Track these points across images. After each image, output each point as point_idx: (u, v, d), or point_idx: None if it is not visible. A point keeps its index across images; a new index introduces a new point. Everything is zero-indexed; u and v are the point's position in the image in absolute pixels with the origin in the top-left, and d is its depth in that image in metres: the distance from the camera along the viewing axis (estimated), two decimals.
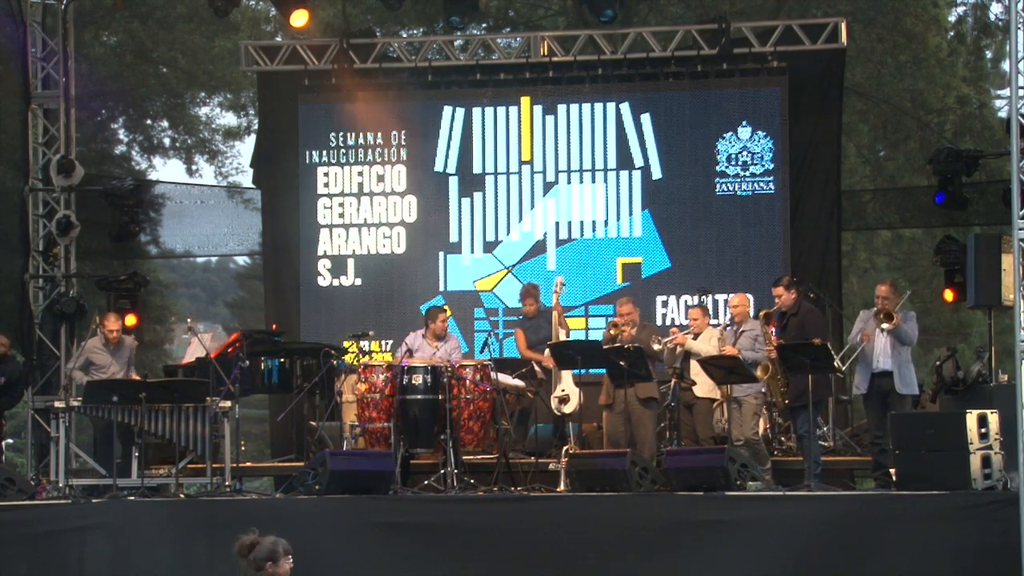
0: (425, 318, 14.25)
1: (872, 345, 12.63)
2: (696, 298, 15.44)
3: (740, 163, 16.57)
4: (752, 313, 14.47)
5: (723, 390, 13.11)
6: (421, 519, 11.72)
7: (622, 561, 11.37)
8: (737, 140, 16.57)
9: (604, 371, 13.28)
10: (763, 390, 13.25)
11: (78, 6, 17.52)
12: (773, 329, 13.47)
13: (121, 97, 25.63)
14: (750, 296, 14.21)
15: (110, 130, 26.69)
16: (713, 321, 14.86)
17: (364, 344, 15.07)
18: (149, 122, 27.32)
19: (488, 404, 13.16)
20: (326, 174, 17.22)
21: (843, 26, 16.51)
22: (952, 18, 25.62)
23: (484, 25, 23.63)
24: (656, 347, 13.38)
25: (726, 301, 15.89)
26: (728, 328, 13.40)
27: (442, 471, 12.70)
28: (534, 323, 14.84)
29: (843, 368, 12.82)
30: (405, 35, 23.49)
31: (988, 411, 11.56)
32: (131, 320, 16.19)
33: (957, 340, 22.42)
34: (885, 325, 12.52)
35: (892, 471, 12.31)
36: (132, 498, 12.14)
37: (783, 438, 14.52)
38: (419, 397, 12.98)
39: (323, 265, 17.17)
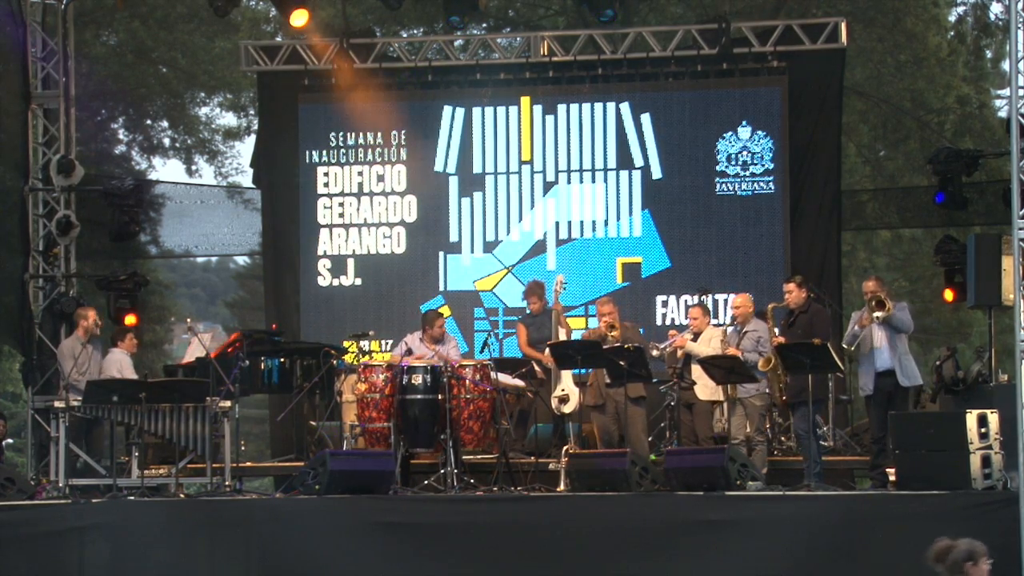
0: (422, 322, 14.25)
1: (872, 343, 12.60)
2: (696, 298, 15.45)
3: (740, 163, 16.57)
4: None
5: (726, 391, 13.10)
6: (421, 519, 11.72)
7: (622, 561, 11.37)
8: (737, 140, 16.57)
9: (592, 372, 13.30)
10: (767, 391, 13.25)
11: (78, 6, 17.52)
12: (776, 327, 13.48)
13: (121, 97, 25.64)
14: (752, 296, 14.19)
15: (110, 130, 26.69)
16: (714, 321, 14.85)
17: (364, 344, 15.07)
18: (149, 122, 27.33)
19: (488, 404, 13.16)
20: (326, 174, 17.22)
21: (843, 26, 16.51)
22: (952, 18, 25.66)
23: (484, 25, 23.64)
24: (655, 353, 13.39)
25: (726, 301, 15.91)
26: (731, 329, 13.39)
27: (442, 471, 12.70)
28: (537, 320, 14.84)
29: (848, 350, 12.79)
30: (405, 35, 23.51)
31: (988, 411, 11.55)
32: (131, 320, 16.19)
33: (957, 340, 22.42)
34: (879, 314, 12.49)
35: (889, 470, 12.31)
36: (132, 498, 12.14)
37: (783, 438, 14.52)
38: (419, 397, 13.00)
39: (323, 265, 17.17)
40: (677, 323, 16.03)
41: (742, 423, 13.11)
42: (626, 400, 13.01)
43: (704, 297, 15.30)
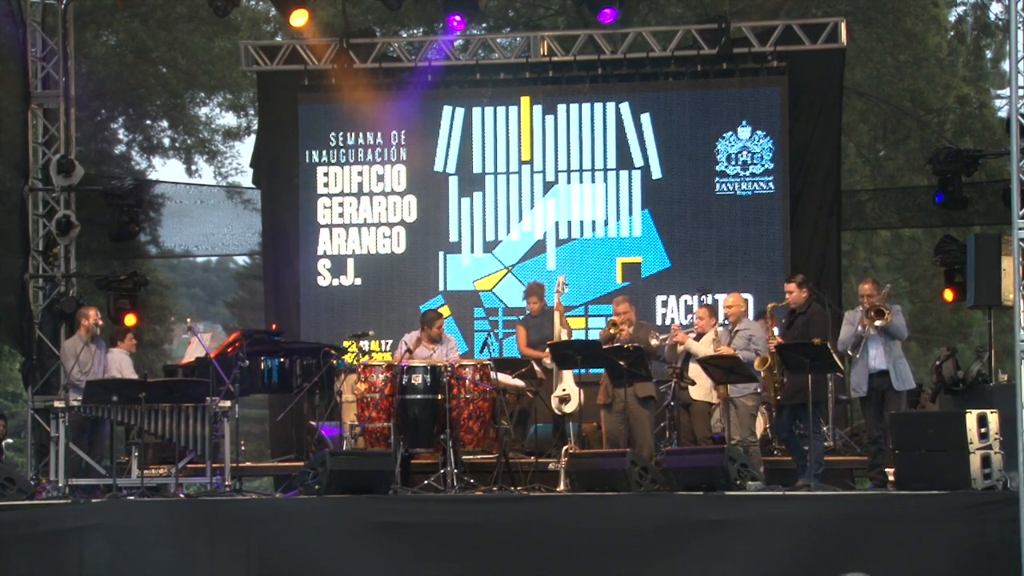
0: (421, 322, 14.25)
1: (866, 345, 12.63)
2: (696, 298, 15.46)
3: (740, 163, 16.57)
4: (748, 313, 14.49)
5: (719, 391, 13.10)
6: (421, 519, 11.71)
7: (622, 561, 11.37)
8: (737, 140, 16.58)
9: (603, 371, 13.29)
10: (759, 391, 13.27)
11: (78, 6, 17.52)
12: (775, 328, 13.49)
13: (121, 97, 25.65)
14: (746, 296, 14.20)
15: (110, 130, 26.71)
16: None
17: (364, 344, 15.07)
18: (149, 122, 27.35)
19: (488, 404, 13.15)
20: (326, 174, 17.22)
21: (843, 26, 16.52)
22: (952, 18, 25.68)
23: (484, 25, 23.65)
24: (654, 343, 13.37)
25: None
26: (722, 328, 13.39)
27: (442, 471, 12.70)
28: (537, 321, 14.84)
29: (854, 357, 12.77)
30: (405, 35, 23.52)
31: (988, 411, 11.55)
32: (131, 320, 16.19)
33: (957, 340, 22.42)
34: (879, 323, 12.53)
35: (888, 470, 12.32)
36: (132, 498, 12.14)
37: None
38: (419, 397, 12.98)
39: (323, 265, 17.17)
40: (678, 323, 15.98)
41: (738, 423, 13.11)
42: (626, 398, 13.01)
43: (704, 297, 15.29)
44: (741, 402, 13.06)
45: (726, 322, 13.46)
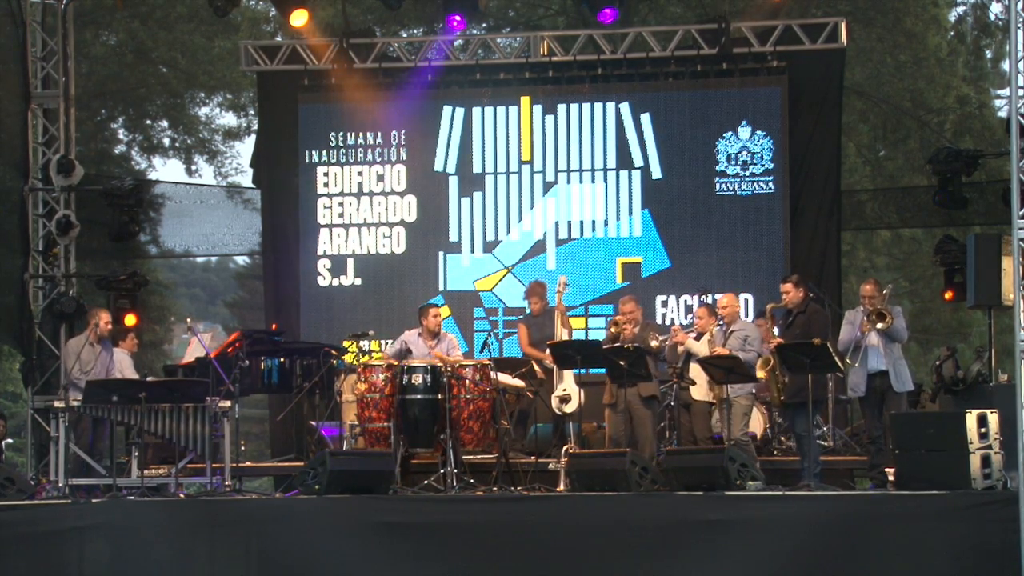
0: (418, 315, 14.25)
1: (866, 346, 12.64)
2: (696, 298, 15.45)
3: (740, 163, 16.58)
4: (748, 313, 14.46)
5: (716, 391, 13.11)
6: (421, 519, 11.71)
7: (622, 561, 11.36)
8: (737, 140, 16.58)
9: (604, 371, 13.29)
10: (753, 391, 13.27)
11: (78, 6, 17.52)
12: (775, 328, 13.47)
13: (121, 97, 25.66)
14: (744, 296, 14.18)
15: (110, 130, 26.71)
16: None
17: (364, 344, 15.08)
18: (149, 122, 27.35)
19: (488, 404, 13.16)
20: (326, 174, 17.23)
21: (843, 26, 16.53)
22: (952, 18, 25.68)
23: (484, 25, 23.65)
24: (653, 344, 13.37)
25: None
26: (717, 329, 13.39)
27: (442, 471, 12.70)
28: (539, 321, 14.83)
29: (852, 365, 12.77)
30: (405, 35, 23.52)
31: (988, 411, 11.55)
32: (131, 320, 16.19)
33: (957, 340, 22.42)
34: (880, 325, 12.55)
35: (888, 470, 12.32)
36: (132, 498, 12.14)
37: (783, 438, 14.52)
38: (419, 397, 12.99)
39: (323, 265, 17.18)
40: (678, 323, 16.00)
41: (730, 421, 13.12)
42: (628, 397, 13.01)
43: (704, 297, 15.29)
44: (735, 400, 13.08)
45: (721, 323, 13.48)
